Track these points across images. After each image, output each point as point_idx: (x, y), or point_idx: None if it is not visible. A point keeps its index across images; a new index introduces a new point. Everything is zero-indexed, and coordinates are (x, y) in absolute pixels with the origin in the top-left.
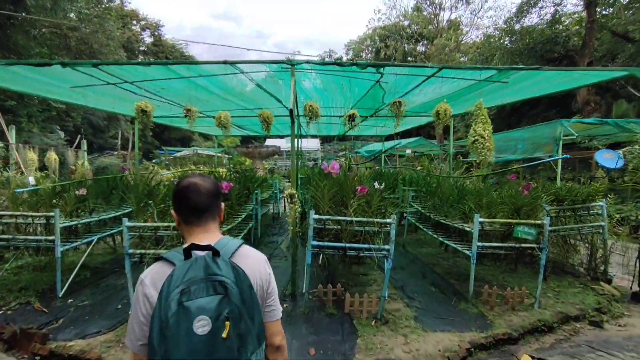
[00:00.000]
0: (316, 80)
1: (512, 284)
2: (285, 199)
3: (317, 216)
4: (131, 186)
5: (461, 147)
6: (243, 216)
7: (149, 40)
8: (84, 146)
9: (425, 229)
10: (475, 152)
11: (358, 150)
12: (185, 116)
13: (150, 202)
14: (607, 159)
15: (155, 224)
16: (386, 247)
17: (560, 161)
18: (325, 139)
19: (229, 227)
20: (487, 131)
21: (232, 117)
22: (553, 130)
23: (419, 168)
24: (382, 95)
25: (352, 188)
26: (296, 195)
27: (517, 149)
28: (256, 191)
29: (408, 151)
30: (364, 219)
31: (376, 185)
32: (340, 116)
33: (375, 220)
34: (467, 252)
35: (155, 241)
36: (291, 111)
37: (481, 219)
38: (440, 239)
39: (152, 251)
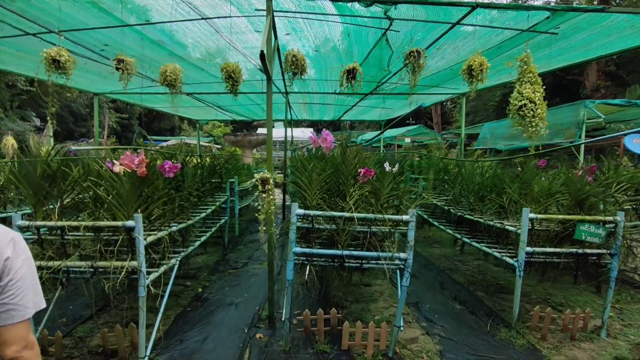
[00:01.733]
0: (302, 32)
1: (556, 299)
2: (257, 185)
3: (301, 211)
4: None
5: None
6: (210, 210)
7: None
8: (49, 131)
9: (442, 227)
10: (520, 124)
11: (354, 140)
12: (118, 69)
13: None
14: (638, 144)
15: (58, 224)
16: (402, 255)
17: (582, 147)
18: (319, 130)
19: (182, 225)
20: (537, 93)
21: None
22: (575, 113)
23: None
24: (389, 57)
25: (352, 171)
26: (271, 181)
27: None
28: (231, 179)
29: (407, 140)
30: (370, 215)
31: (387, 167)
32: (336, 93)
33: (387, 216)
34: (511, 261)
35: (63, 248)
36: (262, 56)
37: (532, 215)
38: (473, 243)
39: (57, 263)
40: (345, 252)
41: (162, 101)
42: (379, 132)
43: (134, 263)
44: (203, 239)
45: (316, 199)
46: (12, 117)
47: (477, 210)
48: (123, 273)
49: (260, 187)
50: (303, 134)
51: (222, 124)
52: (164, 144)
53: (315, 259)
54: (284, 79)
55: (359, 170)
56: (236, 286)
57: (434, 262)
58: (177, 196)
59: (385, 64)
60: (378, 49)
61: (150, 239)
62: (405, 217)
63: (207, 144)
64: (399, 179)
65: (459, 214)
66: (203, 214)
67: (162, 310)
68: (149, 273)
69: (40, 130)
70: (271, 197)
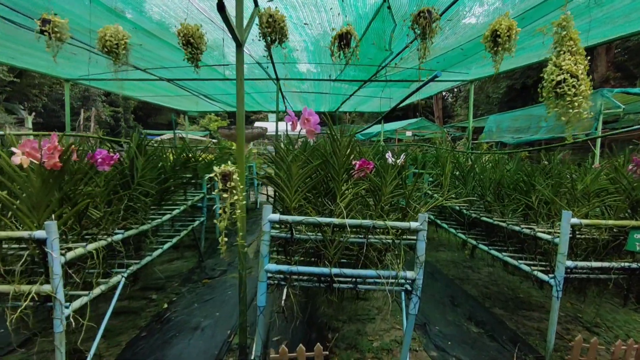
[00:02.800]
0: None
1: (588, 317)
2: (217, 180)
3: (276, 216)
4: None
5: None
6: (177, 211)
7: None
8: (28, 123)
9: (453, 231)
10: (557, 105)
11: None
12: (43, 33)
13: None
14: None
15: None
16: (408, 274)
17: (599, 141)
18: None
19: (131, 232)
20: (580, 66)
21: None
22: (591, 102)
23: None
24: (391, 32)
25: (344, 163)
26: (235, 177)
27: (541, 128)
28: (210, 174)
29: (408, 134)
30: (367, 222)
31: (389, 158)
32: (331, 80)
33: (390, 223)
34: (545, 277)
35: None
36: (221, 5)
37: (575, 220)
38: (493, 252)
39: None
40: (335, 270)
41: (141, 89)
42: (380, 120)
43: (47, 287)
44: (166, 246)
45: (297, 200)
46: None
47: (495, 211)
48: (28, 300)
49: (220, 185)
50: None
51: (219, 117)
52: (158, 138)
53: (295, 278)
54: (273, 64)
55: (353, 163)
56: (208, 301)
57: (441, 269)
58: (124, 195)
59: (387, 42)
60: (379, 20)
61: (72, 254)
62: (414, 224)
63: (202, 138)
64: (406, 174)
65: (474, 215)
66: (166, 217)
67: (93, 350)
68: (73, 298)
69: (41, 125)
70: (237, 197)
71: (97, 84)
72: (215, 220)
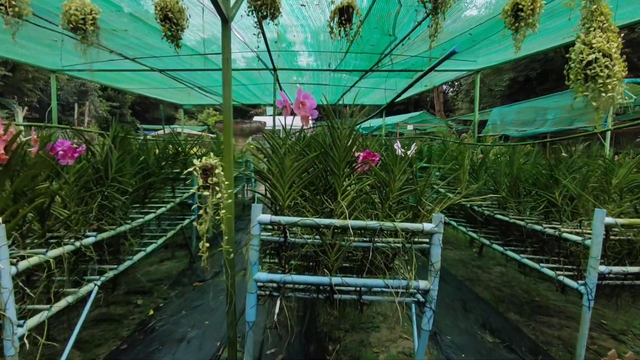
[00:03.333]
0: None
1: (615, 324)
2: (196, 176)
3: (266, 217)
4: None
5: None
6: (164, 209)
7: None
8: (19, 118)
9: (464, 230)
10: (589, 88)
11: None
12: None
13: None
14: None
15: None
16: (421, 283)
17: (609, 134)
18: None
19: (104, 234)
20: (613, 44)
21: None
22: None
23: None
24: (395, 15)
25: (346, 155)
26: (218, 171)
27: (547, 120)
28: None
29: (410, 127)
30: (373, 223)
31: (398, 148)
32: (332, 70)
33: (399, 224)
34: (574, 284)
35: None
36: None
37: (610, 220)
38: (510, 253)
39: None
40: (336, 279)
41: (133, 81)
42: (383, 110)
43: None
44: (150, 248)
45: (292, 197)
46: None
47: (510, 208)
48: None
49: (200, 181)
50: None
51: (217, 112)
52: (154, 133)
53: (289, 288)
54: (269, 52)
55: (356, 155)
56: (197, 308)
57: (450, 269)
58: (97, 192)
59: (391, 25)
60: (381, 4)
61: (25, 264)
62: (427, 226)
63: (199, 133)
64: (416, 167)
65: (487, 213)
66: (150, 216)
67: None
68: (34, 313)
69: (40, 121)
70: (220, 195)
71: (84, 75)
72: (195, 223)
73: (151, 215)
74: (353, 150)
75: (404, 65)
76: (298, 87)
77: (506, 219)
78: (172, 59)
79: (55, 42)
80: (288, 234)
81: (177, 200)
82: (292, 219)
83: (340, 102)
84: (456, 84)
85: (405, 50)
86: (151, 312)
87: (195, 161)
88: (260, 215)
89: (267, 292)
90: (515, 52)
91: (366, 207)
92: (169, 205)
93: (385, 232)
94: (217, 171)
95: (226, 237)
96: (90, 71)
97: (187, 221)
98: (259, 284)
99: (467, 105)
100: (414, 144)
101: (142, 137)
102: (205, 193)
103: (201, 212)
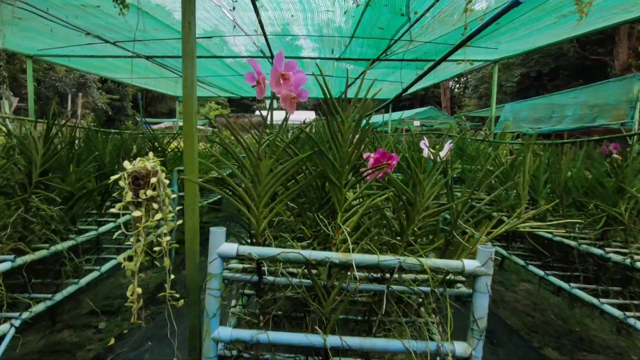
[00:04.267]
0: None
1: None
2: (124, 186)
3: (232, 247)
4: None
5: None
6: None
7: None
8: (5, 108)
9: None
10: None
11: None
12: None
13: None
14: None
15: None
16: (458, 347)
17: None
18: (318, 108)
19: (29, 257)
20: None
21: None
22: (626, 89)
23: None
24: None
25: (350, 155)
26: (161, 178)
27: (565, 117)
28: (179, 167)
29: (416, 123)
30: (389, 259)
31: (425, 148)
32: (336, 59)
33: (430, 261)
34: None
35: None
36: None
37: None
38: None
39: None
40: (332, 340)
41: (119, 69)
42: (380, 116)
43: None
44: (106, 267)
45: (269, 217)
46: None
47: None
48: None
49: (128, 195)
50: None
51: (220, 106)
52: (156, 127)
53: (266, 348)
54: (266, 39)
55: (366, 156)
56: (166, 339)
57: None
58: (14, 202)
59: (404, 2)
60: None
61: None
62: (470, 265)
63: (200, 127)
64: (452, 175)
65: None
66: (104, 228)
67: None
68: None
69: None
70: (160, 215)
71: (61, 61)
72: (119, 259)
73: (108, 227)
74: (361, 148)
75: (414, 54)
76: (278, 53)
77: (549, 236)
78: (159, 43)
79: (18, 20)
80: (265, 271)
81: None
82: (268, 250)
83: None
84: (463, 79)
85: (419, 35)
86: (112, 341)
87: (127, 164)
88: (222, 245)
89: (234, 354)
90: (579, 19)
91: (379, 232)
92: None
93: (407, 271)
94: (154, 180)
95: (166, 285)
96: (68, 57)
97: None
98: (222, 345)
99: (475, 101)
100: (449, 142)
101: (128, 131)
102: (136, 213)
103: (132, 240)
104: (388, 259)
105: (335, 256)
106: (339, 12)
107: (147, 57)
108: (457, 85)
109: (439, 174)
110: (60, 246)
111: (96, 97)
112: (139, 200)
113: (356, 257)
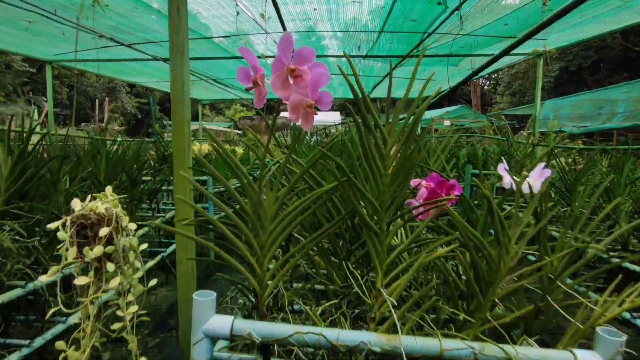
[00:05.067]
0: None
1: None
2: (65, 238)
3: (225, 321)
4: None
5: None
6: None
7: None
8: (34, 114)
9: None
10: None
11: None
12: None
13: None
14: None
15: None
16: None
17: None
18: (345, 109)
19: None
20: None
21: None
22: None
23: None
24: None
25: (396, 189)
26: (125, 226)
27: (616, 114)
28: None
29: (446, 123)
30: (458, 346)
31: (506, 176)
32: (362, 56)
33: (514, 351)
34: None
35: None
36: None
37: None
38: None
39: None
40: None
41: (141, 73)
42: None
43: None
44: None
45: (277, 280)
46: (18, 101)
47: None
48: None
49: (70, 252)
50: (325, 117)
51: (245, 108)
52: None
53: None
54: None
55: (414, 183)
56: None
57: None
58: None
59: None
60: None
61: None
62: (584, 356)
63: (224, 129)
64: (548, 217)
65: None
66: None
67: None
68: None
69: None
70: (119, 280)
71: (78, 65)
72: (58, 345)
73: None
74: (411, 178)
75: (446, 49)
76: (284, 35)
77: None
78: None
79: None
80: (275, 351)
81: (158, 220)
82: (276, 329)
83: (372, 95)
84: (494, 76)
85: (454, 28)
86: None
87: (75, 203)
88: (211, 319)
89: None
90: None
91: (436, 299)
92: (80, 278)
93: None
94: (105, 231)
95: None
96: (84, 61)
97: (171, 248)
98: None
99: (508, 98)
100: (542, 164)
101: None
102: (81, 281)
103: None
104: (457, 346)
105: (374, 340)
106: (366, 3)
107: (165, 60)
108: (488, 83)
109: (533, 217)
110: (20, 292)
111: (125, 101)
112: (85, 260)
113: (407, 342)
